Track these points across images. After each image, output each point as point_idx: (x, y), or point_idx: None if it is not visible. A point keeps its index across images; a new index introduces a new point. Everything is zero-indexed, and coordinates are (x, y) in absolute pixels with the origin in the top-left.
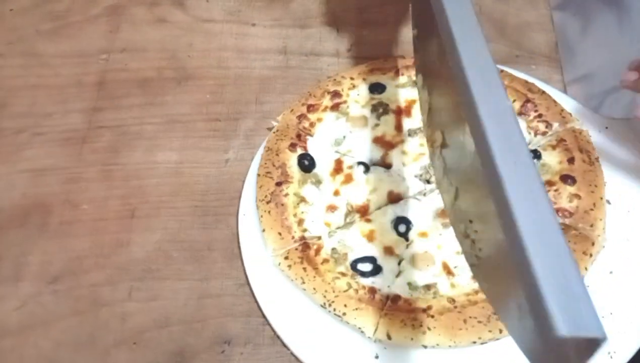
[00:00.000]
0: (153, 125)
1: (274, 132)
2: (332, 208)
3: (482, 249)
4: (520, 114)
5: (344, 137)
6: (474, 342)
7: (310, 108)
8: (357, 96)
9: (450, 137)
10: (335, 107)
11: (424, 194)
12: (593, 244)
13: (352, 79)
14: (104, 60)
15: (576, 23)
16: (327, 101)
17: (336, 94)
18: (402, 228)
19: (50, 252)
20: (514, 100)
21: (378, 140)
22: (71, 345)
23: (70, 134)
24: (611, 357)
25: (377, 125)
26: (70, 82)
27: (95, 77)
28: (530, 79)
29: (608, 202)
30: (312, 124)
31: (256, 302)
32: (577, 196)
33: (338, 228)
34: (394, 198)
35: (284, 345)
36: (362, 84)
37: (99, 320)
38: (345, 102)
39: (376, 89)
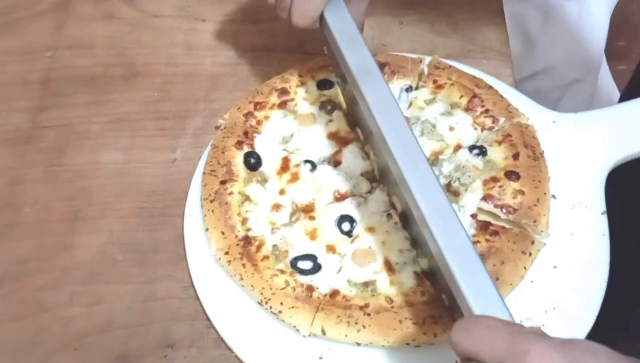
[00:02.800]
0: (99, 124)
1: (221, 130)
2: (277, 207)
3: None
4: (467, 109)
5: (292, 135)
6: (408, 344)
7: (258, 106)
8: (305, 93)
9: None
10: (282, 105)
11: (371, 192)
12: (533, 243)
13: (300, 76)
14: (49, 58)
15: (537, 16)
16: (274, 99)
17: (284, 92)
18: (346, 226)
19: None
20: (461, 96)
21: (332, 136)
22: (9, 352)
23: (14, 134)
24: None
25: (330, 121)
26: (15, 80)
27: (40, 75)
28: (481, 74)
29: (553, 196)
30: (259, 122)
31: (200, 304)
32: (521, 192)
33: (282, 225)
34: (340, 197)
35: (228, 348)
36: (310, 81)
37: (40, 325)
38: (292, 99)
39: (324, 85)
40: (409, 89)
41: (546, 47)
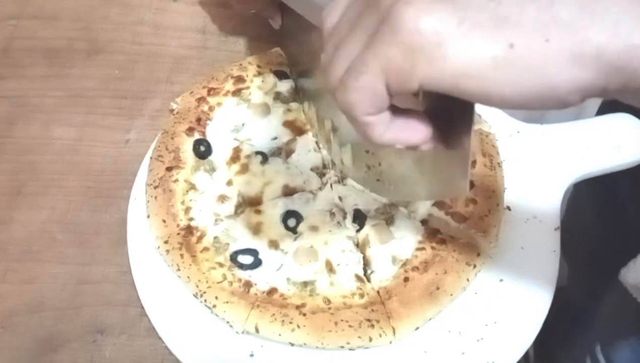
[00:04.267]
0: (55, 98)
1: (173, 114)
2: (223, 198)
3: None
4: None
5: (243, 124)
6: (342, 347)
7: (211, 91)
8: (261, 83)
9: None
10: (237, 92)
11: (320, 189)
12: (479, 255)
13: (259, 66)
14: (12, 26)
15: None
16: (229, 86)
17: (240, 79)
18: (291, 222)
19: None
20: None
21: (288, 125)
22: None
23: None
24: None
25: (288, 110)
26: None
27: (0, 43)
28: None
29: (508, 208)
30: (211, 108)
31: (136, 291)
32: (474, 201)
33: (226, 217)
34: (289, 191)
35: (159, 338)
36: (267, 72)
37: None
38: (248, 87)
39: (281, 77)
40: None
41: None
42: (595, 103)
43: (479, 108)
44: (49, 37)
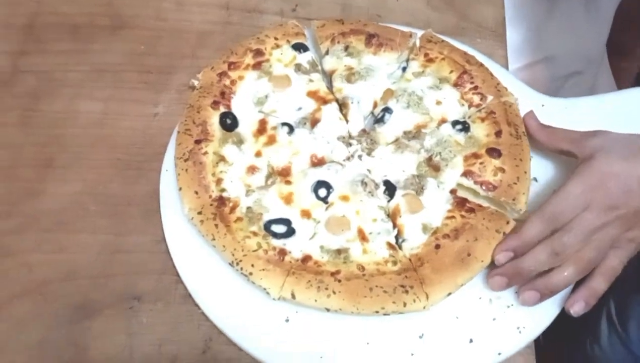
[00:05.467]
0: (80, 72)
1: (197, 89)
2: (252, 169)
3: None
4: (456, 85)
5: (267, 96)
6: (377, 312)
7: (232, 66)
8: (281, 55)
9: None
10: (257, 66)
11: (348, 159)
12: (508, 223)
13: (276, 39)
14: (36, 2)
15: (542, 4)
16: (249, 59)
17: (258, 52)
18: (322, 192)
19: None
20: (451, 71)
21: (312, 95)
22: None
23: None
24: (520, 332)
25: (310, 81)
26: None
27: (24, 19)
28: (473, 52)
29: (535, 179)
30: (233, 82)
31: (171, 259)
32: (502, 169)
33: (257, 188)
34: (317, 162)
35: (195, 304)
36: (285, 44)
37: (3, 268)
38: (267, 60)
39: (299, 49)
40: (405, 68)
41: (549, 37)
42: (609, 76)
43: (504, 80)
44: (72, 13)
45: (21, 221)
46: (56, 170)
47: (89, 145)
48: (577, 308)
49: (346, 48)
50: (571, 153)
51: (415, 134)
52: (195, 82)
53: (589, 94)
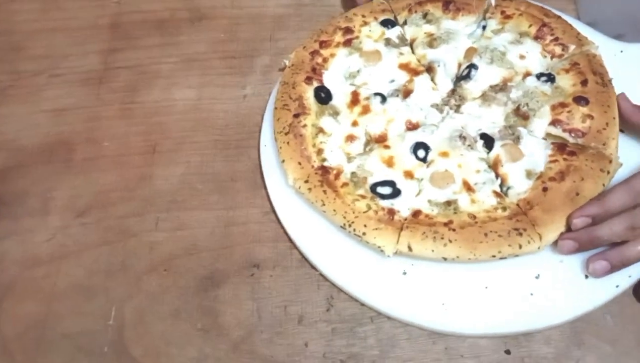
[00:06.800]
0: (169, 64)
1: (289, 67)
2: (351, 138)
3: None
4: (536, 38)
5: (358, 70)
6: (494, 256)
7: (323, 44)
8: (369, 32)
9: None
10: (347, 43)
11: (443, 120)
12: (610, 162)
13: (363, 16)
14: (116, 3)
15: None
16: (339, 37)
17: (348, 30)
18: (421, 153)
19: (76, 186)
20: (530, 25)
21: (403, 67)
22: (103, 272)
23: (88, 75)
24: (630, 276)
25: (401, 53)
26: (86, 24)
27: (109, 20)
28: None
29: (622, 131)
30: (325, 60)
31: (282, 227)
32: (590, 116)
33: (357, 155)
34: (412, 127)
35: (312, 267)
36: (373, 21)
37: (128, 248)
38: (357, 37)
39: (387, 25)
40: (485, 27)
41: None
42: None
43: (583, 30)
44: (152, 10)
45: (139, 204)
46: (162, 155)
47: (188, 129)
48: (597, 267)
49: (424, 16)
50: None
51: (502, 87)
52: (287, 62)
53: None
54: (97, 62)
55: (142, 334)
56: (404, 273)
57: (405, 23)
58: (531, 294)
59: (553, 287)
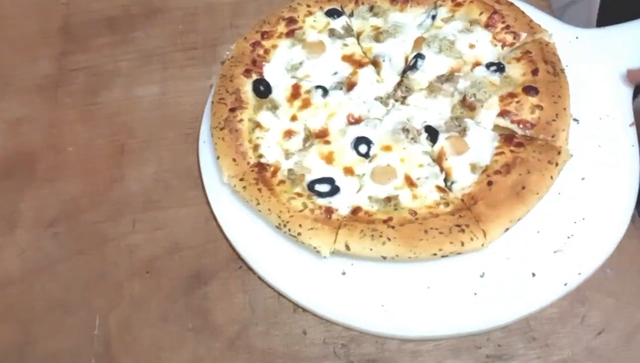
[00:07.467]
0: (127, 61)
1: (228, 60)
2: (289, 133)
3: None
4: (487, 26)
5: (301, 63)
6: (435, 254)
7: (265, 35)
8: (314, 22)
9: None
10: (290, 34)
11: (388, 113)
12: (559, 153)
13: (308, 6)
14: (64, 5)
15: None
16: (282, 28)
17: (291, 20)
18: (362, 148)
19: (42, 197)
20: (481, 13)
21: (347, 58)
22: (81, 284)
23: (42, 81)
24: (579, 274)
25: (345, 45)
26: (32, 30)
27: (59, 23)
28: None
29: (576, 121)
30: (266, 51)
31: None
32: (540, 107)
33: (296, 151)
34: (354, 121)
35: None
36: (318, 11)
37: (105, 255)
38: (301, 27)
39: (332, 14)
40: (434, 16)
41: None
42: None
43: (535, 17)
44: (103, 8)
45: (112, 207)
46: (131, 155)
47: (156, 125)
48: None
49: (371, 8)
50: None
51: (449, 77)
52: (227, 53)
53: (587, 21)
54: (50, 67)
55: (130, 343)
56: (343, 273)
57: (351, 15)
58: (475, 293)
59: (498, 286)
